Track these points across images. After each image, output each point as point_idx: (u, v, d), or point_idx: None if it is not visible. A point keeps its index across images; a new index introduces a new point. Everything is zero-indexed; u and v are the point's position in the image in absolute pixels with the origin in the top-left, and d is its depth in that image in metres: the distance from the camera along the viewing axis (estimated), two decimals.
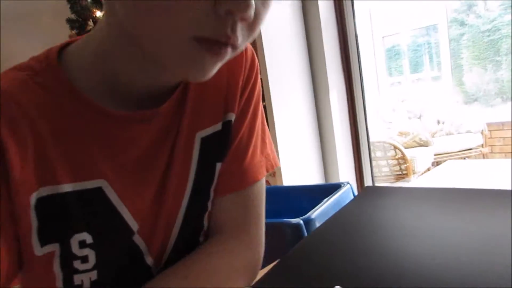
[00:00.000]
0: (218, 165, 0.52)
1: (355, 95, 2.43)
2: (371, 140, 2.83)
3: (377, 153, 3.56)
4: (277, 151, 1.99)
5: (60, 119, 0.41)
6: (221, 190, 0.52)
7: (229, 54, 0.38)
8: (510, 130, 4.26)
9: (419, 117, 4.86)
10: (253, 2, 0.34)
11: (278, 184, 1.95)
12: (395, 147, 3.51)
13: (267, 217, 1.41)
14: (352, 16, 2.35)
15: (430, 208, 0.67)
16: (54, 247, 0.41)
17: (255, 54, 0.55)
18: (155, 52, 0.38)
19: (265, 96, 2.00)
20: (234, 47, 0.38)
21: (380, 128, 4.47)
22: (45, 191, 0.40)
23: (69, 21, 1.96)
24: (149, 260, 0.49)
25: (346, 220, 0.67)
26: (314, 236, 0.65)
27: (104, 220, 0.44)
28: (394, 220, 0.65)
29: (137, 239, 0.47)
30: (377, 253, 0.54)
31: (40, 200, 0.39)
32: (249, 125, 0.53)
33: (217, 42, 0.36)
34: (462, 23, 5.08)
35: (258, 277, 0.54)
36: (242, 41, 0.38)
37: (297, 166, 2.14)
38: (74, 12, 1.94)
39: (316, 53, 2.29)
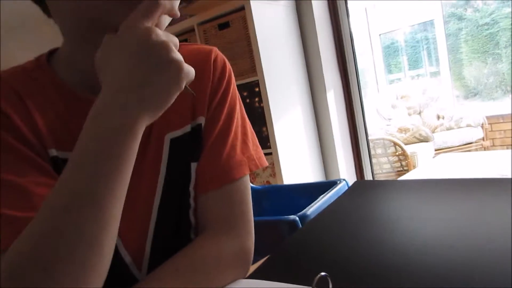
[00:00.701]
0: (193, 165, 0.57)
1: (352, 93, 2.46)
2: (371, 137, 2.85)
3: (377, 150, 3.58)
4: (276, 152, 2.03)
5: (44, 101, 0.50)
6: (201, 188, 0.56)
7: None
8: (510, 123, 4.27)
9: (419, 113, 4.88)
10: None
11: (279, 183, 1.98)
12: (395, 144, 3.53)
13: (266, 215, 1.44)
14: (346, 15, 2.38)
15: (417, 199, 0.70)
16: None
17: (226, 64, 0.60)
18: (107, 21, 0.45)
19: (263, 98, 2.04)
20: None
21: (380, 125, 4.49)
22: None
23: None
24: (124, 253, 0.52)
25: (335, 213, 0.70)
26: (304, 229, 0.68)
27: None
28: (382, 211, 0.68)
29: None
30: (364, 242, 0.57)
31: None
32: (223, 128, 0.57)
33: None
34: (460, 18, 5.09)
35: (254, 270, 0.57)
36: None
37: (297, 166, 2.17)
38: None
39: (312, 54, 2.32)
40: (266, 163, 0.61)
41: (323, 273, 0.45)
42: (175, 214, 0.57)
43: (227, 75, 0.59)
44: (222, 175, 0.56)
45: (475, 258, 0.47)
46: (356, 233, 0.60)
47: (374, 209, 0.70)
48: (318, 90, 2.35)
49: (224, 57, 0.61)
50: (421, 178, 0.80)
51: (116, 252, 0.51)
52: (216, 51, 0.61)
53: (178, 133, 0.56)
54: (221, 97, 0.58)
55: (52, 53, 0.56)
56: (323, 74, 2.30)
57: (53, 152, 0.49)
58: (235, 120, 0.59)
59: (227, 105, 0.58)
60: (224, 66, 0.60)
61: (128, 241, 0.52)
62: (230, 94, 0.59)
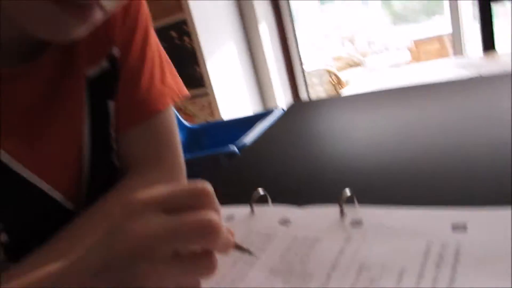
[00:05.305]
0: (111, 103, 0.50)
1: (284, 24, 2.43)
2: (307, 69, 2.87)
3: (313, 80, 3.65)
4: (212, 90, 1.98)
5: None
6: (121, 126, 0.50)
7: (98, 16, 0.36)
8: (433, 44, 4.53)
9: (351, 41, 5.00)
10: None
11: (218, 120, 1.96)
12: (329, 72, 3.62)
13: (207, 150, 1.42)
14: None
15: (354, 112, 0.71)
16: None
17: None
18: (14, 16, 0.35)
19: (193, 37, 1.94)
20: (100, 6, 0.35)
21: (314, 55, 4.56)
22: None
23: None
24: (69, 205, 0.47)
25: (273, 136, 0.70)
26: (242, 155, 0.67)
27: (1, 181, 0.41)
28: (319, 128, 0.69)
29: (49, 189, 0.45)
30: (301, 158, 0.57)
31: None
32: (137, 57, 0.50)
33: (79, 4, 0.33)
34: None
35: None
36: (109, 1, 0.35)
37: (235, 103, 2.15)
38: None
39: None
40: (187, 93, 0.55)
41: (260, 189, 0.44)
42: (105, 158, 0.51)
43: None
44: (144, 109, 0.50)
45: (416, 157, 0.49)
46: (293, 151, 0.60)
47: (312, 127, 0.70)
48: (250, 22, 2.28)
49: None
50: (355, 93, 0.81)
51: (47, 196, 0.45)
52: None
53: (96, 71, 0.48)
54: (132, 21, 0.50)
55: None
56: (253, 6, 2.23)
57: None
58: (150, 47, 0.52)
59: (138, 30, 0.50)
60: None
61: (63, 187, 0.46)
62: (141, 18, 0.51)
